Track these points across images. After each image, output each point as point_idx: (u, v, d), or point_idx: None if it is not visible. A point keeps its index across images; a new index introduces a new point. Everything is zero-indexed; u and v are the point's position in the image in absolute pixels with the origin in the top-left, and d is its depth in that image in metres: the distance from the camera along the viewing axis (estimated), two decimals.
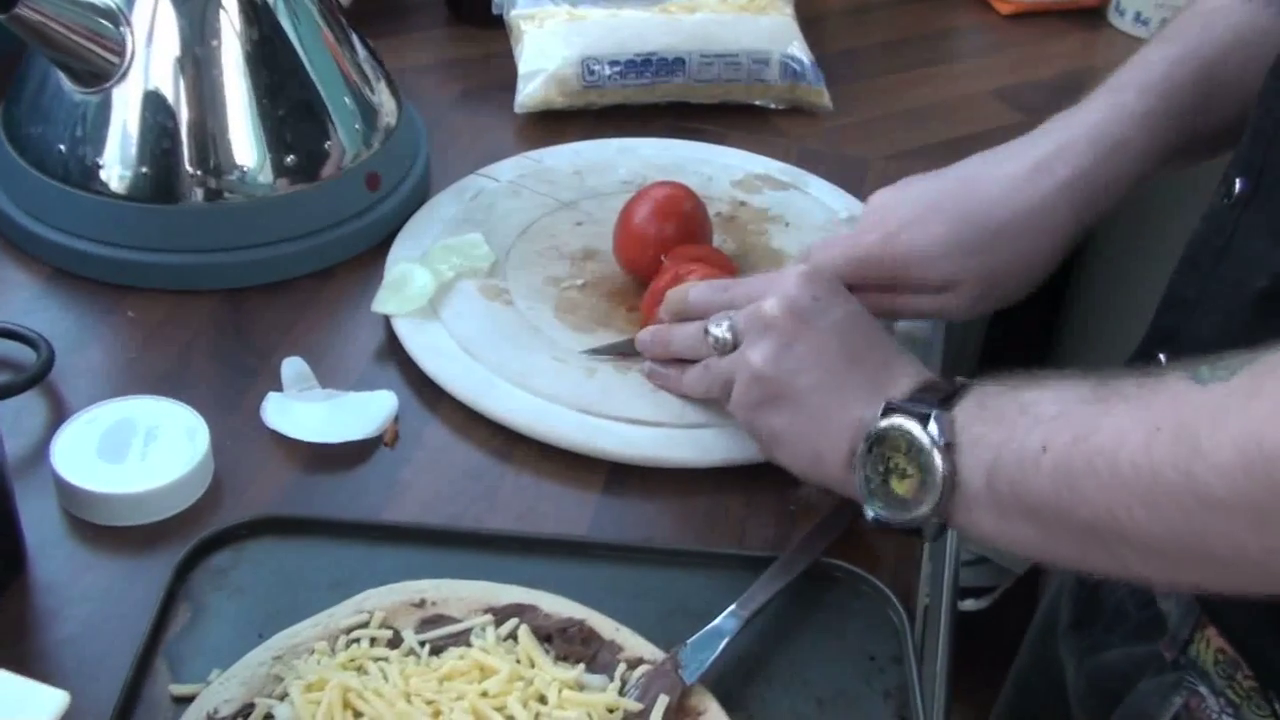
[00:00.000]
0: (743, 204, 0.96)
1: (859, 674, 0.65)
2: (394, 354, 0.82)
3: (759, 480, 0.75)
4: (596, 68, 1.06)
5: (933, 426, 0.62)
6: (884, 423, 0.64)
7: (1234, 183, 0.68)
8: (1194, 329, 0.70)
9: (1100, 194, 0.76)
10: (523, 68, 1.07)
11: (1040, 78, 1.21)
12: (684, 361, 0.78)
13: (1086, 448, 0.56)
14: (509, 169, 0.98)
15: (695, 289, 0.77)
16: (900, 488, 0.64)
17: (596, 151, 1.01)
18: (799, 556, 0.68)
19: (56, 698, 0.44)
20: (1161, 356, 0.72)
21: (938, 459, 0.61)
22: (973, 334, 1.65)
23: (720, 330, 0.73)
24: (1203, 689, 0.70)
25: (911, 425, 0.63)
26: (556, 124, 1.06)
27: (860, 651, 0.66)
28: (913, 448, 0.63)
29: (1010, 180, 0.76)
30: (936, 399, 0.64)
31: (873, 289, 0.77)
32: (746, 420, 0.72)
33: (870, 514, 0.66)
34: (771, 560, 0.68)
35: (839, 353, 0.69)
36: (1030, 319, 1.81)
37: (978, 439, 0.61)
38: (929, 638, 0.75)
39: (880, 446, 0.64)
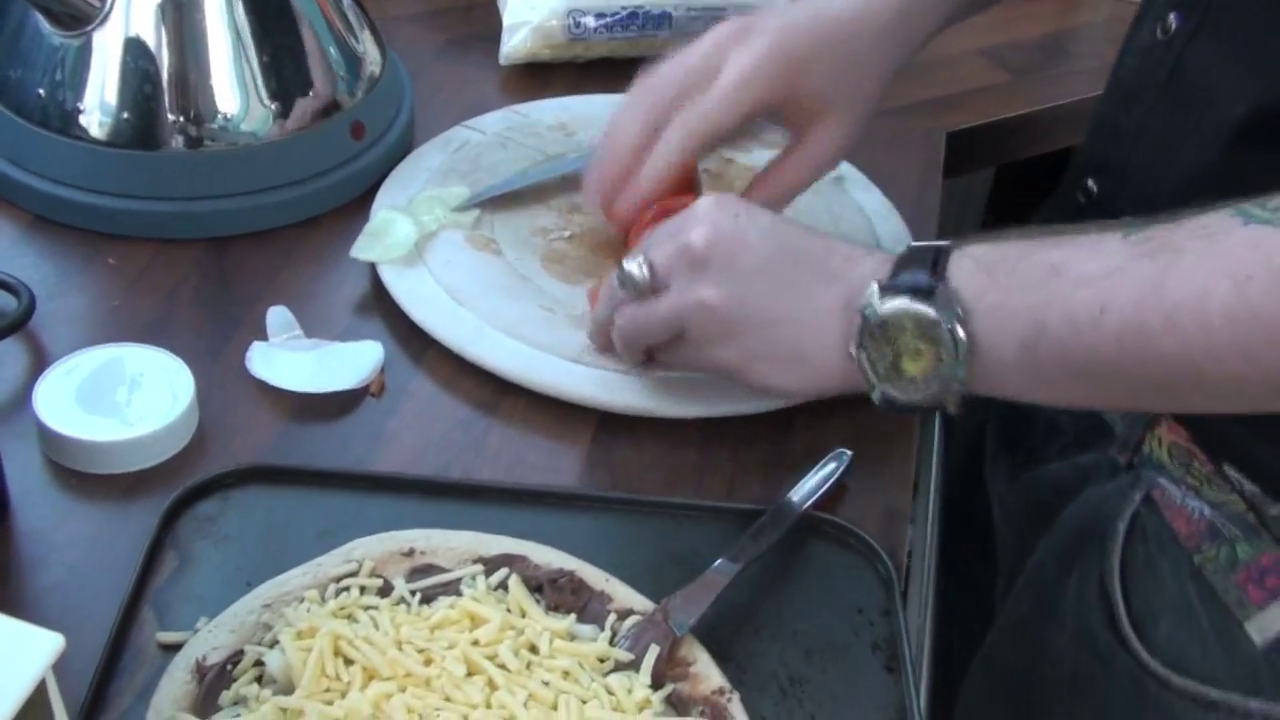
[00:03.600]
0: (730, 160, 0.96)
1: (847, 626, 0.65)
2: (380, 304, 0.81)
3: (749, 432, 0.75)
4: (582, 20, 1.05)
5: (942, 300, 0.61)
6: (885, 305, 0.62)
7: (1168, 17, 0.70)
8: (1137, 160, 0.72)
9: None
10: (507, 19, 1.06)
11: (1026, 36, 1.20)
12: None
13: (1161, 304, 0.56)
14: (494, 121, 0.97)
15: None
16: (913, 367, 0.63)
17: (583, 106, 1.00)
18: (788, 509, 0.69)
19: (51, 640, 0.44)
20: (1090, 182, 0.75)
21: (959, 332, 0.61)
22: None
23: (634, 266, 0.69)
24: (1163, 480, 0.71)
25: (917, 304, 0.61)
26: (541, 76, 1.05)
27: (849, 603, 0.66)
28: (921, 324, 0.61)
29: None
30: (925, 270, 0.62)
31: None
32: (710, 358, 0.69)
33: (878, 398, 0.65)
34: (761, 513, 0.68)
35: (782, 254, 0.67)
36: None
37: (998, 306, 0.60)
38: (913, 587, 0.75)
39: (884, 329, 0.63)
